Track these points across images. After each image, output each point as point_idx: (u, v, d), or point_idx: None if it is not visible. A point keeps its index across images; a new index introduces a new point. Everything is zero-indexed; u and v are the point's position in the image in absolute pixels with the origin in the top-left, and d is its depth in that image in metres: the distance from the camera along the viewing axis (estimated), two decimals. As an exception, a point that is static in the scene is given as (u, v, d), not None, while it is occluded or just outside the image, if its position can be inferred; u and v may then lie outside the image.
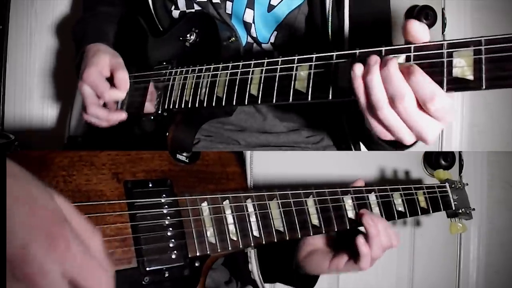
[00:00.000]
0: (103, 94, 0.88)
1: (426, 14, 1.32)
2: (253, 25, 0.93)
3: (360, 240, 0.75)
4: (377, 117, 0.58)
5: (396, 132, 0.58)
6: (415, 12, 1.33)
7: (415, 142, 0.63)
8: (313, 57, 0.66)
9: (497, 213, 1.39)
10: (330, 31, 0.86)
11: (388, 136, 0.60)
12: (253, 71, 0.72)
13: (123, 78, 0.89)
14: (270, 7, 0.91)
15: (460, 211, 1.01)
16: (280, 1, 0.91)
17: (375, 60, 0.57)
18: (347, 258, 0.78)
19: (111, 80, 0.90)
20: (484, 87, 0.53)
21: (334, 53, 0.64)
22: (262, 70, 0.71)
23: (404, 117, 0.56)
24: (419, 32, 0.57)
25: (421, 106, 0.55)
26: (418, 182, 0.94)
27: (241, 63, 0.74)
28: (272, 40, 0.95)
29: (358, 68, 0.58)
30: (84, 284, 0.43)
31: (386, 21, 0.93)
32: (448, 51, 0.55)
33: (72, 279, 0.42)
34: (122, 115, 0.91)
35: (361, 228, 0.78)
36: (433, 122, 0.56)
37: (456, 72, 0.55)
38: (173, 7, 0.99)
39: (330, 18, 0.85)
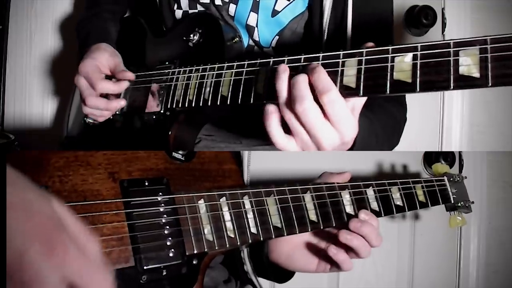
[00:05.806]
0: (95, 84, 0.87)
1: (426, 14, 1.32)
2: (256, 29, 0.93)
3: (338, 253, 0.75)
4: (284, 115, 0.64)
5: (296, 135, 0.64)
6: (415, 12, 1.33)
7: None
8: (319, 56, 0.66)
9: (497, 213, 1.39)
10: (325, 37, 0.87)
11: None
12: (258, 70, 0.72)
13: (125, 75, 0.89)
14: (274, 12, 0.92)
15: (459, 204, 1.00)
16: (284, 7, 0.91)
17: (283, 68, 0.65)
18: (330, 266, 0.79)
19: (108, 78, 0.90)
20: (490, 84, 0.54)
21: (341, 52, 0.65)
22: (268, 69, 0.71)
23: (303, 119, 0.61)
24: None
25: (321, 109, 0.61)
26: (416, 176, 0.94)
27: (246, 63, 0.74)
28: (273, 44, 0.95)
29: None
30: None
31: (388, 23, 0.93)
32: (454, 50, 0.56)
33: (71, 283, 0.42)
34: (121, 102, 0.90)
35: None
36: (330, 128, 0.61)
37: (463, 70, 0.56)
38: (175, 6, 0.99)
39: (327, 26, 0.86)
